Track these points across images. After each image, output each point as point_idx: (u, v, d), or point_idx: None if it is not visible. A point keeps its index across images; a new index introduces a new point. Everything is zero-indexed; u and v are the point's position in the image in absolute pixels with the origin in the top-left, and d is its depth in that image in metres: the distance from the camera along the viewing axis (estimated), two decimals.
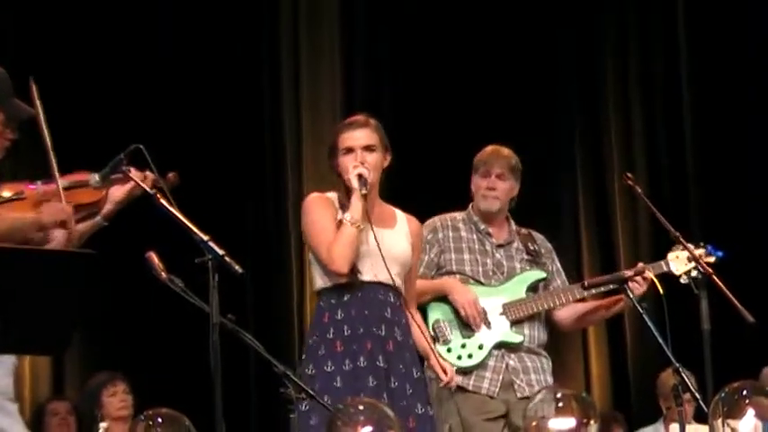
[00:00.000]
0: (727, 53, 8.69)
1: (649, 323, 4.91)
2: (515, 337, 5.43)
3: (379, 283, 4.82)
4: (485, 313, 5.40)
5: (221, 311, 3.97)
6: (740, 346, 6.25)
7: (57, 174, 4.18)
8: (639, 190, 5.58)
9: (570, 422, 4.10)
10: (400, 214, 5.03)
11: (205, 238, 4.00)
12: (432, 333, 5.37)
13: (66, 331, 3.58)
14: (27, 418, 6.72)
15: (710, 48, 8.73)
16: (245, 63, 7.93)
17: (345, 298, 4.81)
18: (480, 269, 5.50)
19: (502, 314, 5.43)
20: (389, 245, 4.85)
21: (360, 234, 4.76)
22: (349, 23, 8.23)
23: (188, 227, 4.02)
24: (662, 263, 5.48)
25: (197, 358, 4.24)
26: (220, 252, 3.99)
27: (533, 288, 5.53)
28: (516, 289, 5.49)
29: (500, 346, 5.40)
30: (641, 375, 8.03)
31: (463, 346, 5.38)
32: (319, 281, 4.88)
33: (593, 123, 8.75)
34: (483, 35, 8.39)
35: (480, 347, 5.38)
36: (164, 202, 4.12)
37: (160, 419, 3.91)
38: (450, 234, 5.54)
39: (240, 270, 3.99)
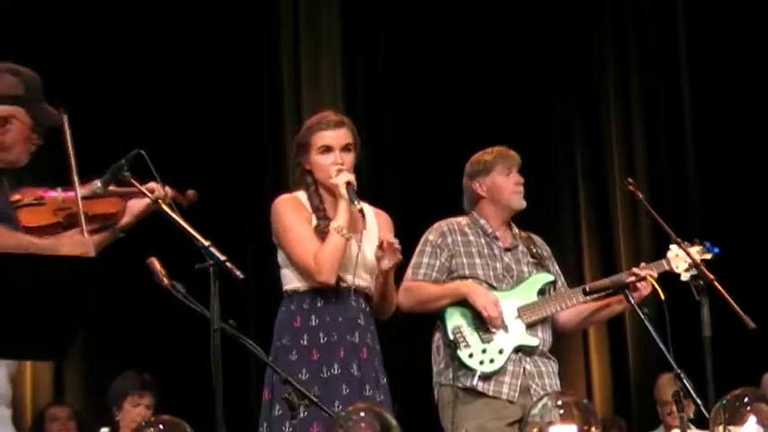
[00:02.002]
0: (727, 53, 8.69)
1: (650, 328, 4.90)
2: (532, 341, 5.39)
3: (354, 290, 4.78)
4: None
5: (222, 317, 3.96)
6: (741, 353, 6.24)
7: (77, 184, 4.13)
8: (641, 195, 5.53)
9: (571, 429, 4.08)
10: (368, 209, 4.94)
11: (206, 243, 4.00)
12: (452, 339, 5.30)
13: (66, 337, 3.58)
14: (27, 424, 6.74)
15: (710, 48, 8.72)
16: (245, 63, 7.92)
17: (319, 303, 4.76)
18: (491, 273, 5.44)
19: (517, 317, 5.38)
20: (364, 251, 4.80)
21: (346, 243, 4.71)
22: (349, 23, 8.22)
23: (189, 233, 4.01)
24: (663, 261, 5.44)
25: (198, 364, 4.23)
26: (222, 257, 3.98)
27: (542, 291, 5.50)
28: (528, 292, 5.45)
29: (518, 349, 5.36)
30: (642, 381, 8.01)
31: (484, 351, 5.30)
32: (296, 283, 4.79)
33: (593, 124, 8.75)
34: (483, 35, 8.39)
35: (500, 352, 5.32)
36: (165, 208, 4.11)
37: (162, 426, 3.90)
38: (459, 239, 5.47)
39: (241, 275, 3.99)
